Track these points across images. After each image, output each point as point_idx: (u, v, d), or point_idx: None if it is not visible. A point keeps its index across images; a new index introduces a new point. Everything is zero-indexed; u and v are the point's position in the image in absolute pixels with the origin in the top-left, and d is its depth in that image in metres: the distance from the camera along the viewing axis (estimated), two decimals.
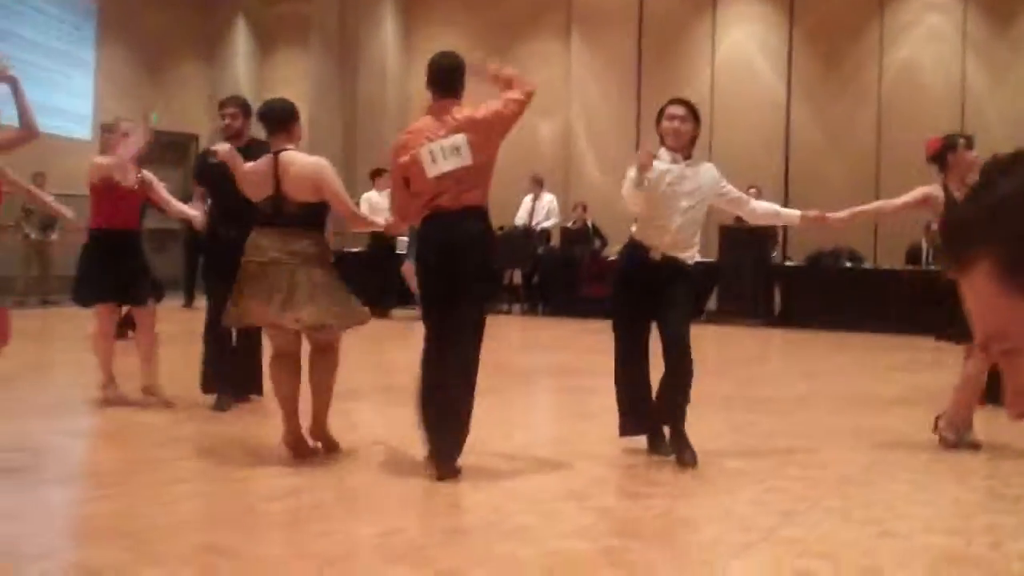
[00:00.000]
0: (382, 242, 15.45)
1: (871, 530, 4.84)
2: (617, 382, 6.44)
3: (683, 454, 6.05)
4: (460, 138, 5.74)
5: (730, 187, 6.51)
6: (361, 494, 5.41)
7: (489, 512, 5.01)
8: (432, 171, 5.73)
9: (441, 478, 5.53)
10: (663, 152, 6.24)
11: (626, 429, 6.44)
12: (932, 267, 14.81)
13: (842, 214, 6.84)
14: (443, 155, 5.72)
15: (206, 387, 7.78)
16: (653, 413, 6.33)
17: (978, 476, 6.01)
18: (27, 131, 6.21)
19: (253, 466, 5.93)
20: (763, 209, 6.79)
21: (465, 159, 5.73)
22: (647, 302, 6.19)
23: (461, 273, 5.73)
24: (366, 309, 6.31)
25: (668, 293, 6.14)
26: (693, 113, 6.34)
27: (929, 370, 10.45)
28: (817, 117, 17.73)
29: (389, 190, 6.75)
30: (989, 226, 1.10)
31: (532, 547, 4.42)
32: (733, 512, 5.17)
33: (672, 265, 6.19)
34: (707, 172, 6.37)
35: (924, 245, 15.18)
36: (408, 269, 15.26)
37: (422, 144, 5.76)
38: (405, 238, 14.41)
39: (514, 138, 20.83)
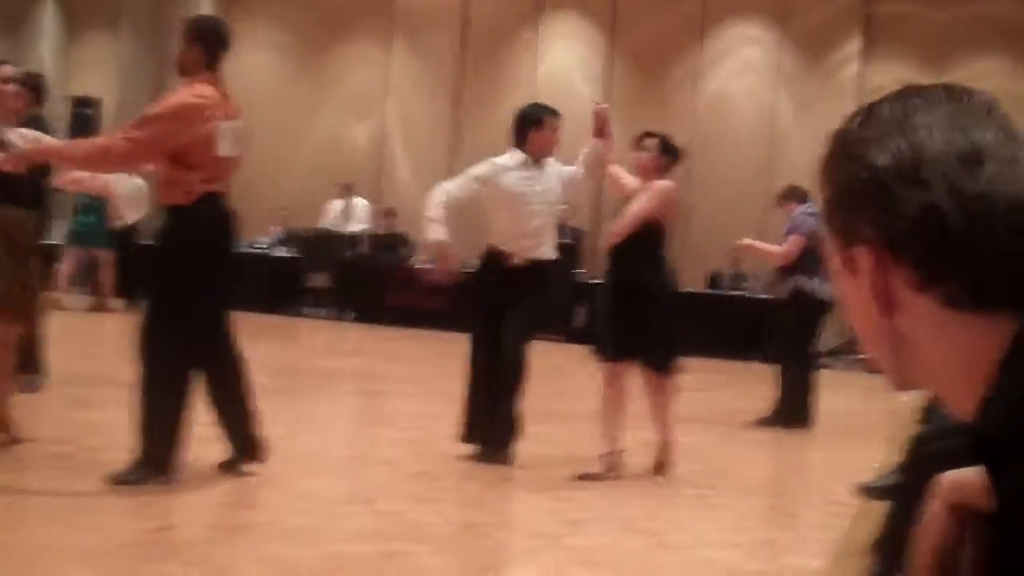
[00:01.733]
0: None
1: (653, 541, 4.86)
2: (468, 390, 6.35)
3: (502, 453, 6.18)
4: (240, 125, 5.40)
5: (565, 168, 6.64)
6: (134, 488, 5.12)
7: (270, 512, 4.85)
8: (223, 150, 5.25)
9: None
10: (517, 154, 6.43)
11: (468, 436, 6.34)
12: (735, 292, 15.22)
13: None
14: (233, 137, 5.32)
15: None
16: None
17: (761, 494, 6.12)
18: None
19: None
20: (579, 168, 6.76)
21: (239, 149, 5.40)
22: (502, 309, 6.23)
23: (231, 262, 5.48)
24: None
25: (521, 301, 6.21)
26: None
27: (715, 389, 10.68)
28: (632, 138, 17.99)
29: None
30: None
31: (311, 548, 4.27)
32: (521, 520, 5.13)
33: (532, 268, 6.32)
34: (551, 169, 6.54)
35: (725, 271, 15.57)
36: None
37: (218, 119, 5.22)
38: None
39: (327, 140, 20.48)
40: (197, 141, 5.12)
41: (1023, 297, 0.99)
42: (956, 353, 1.01)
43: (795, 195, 9.11)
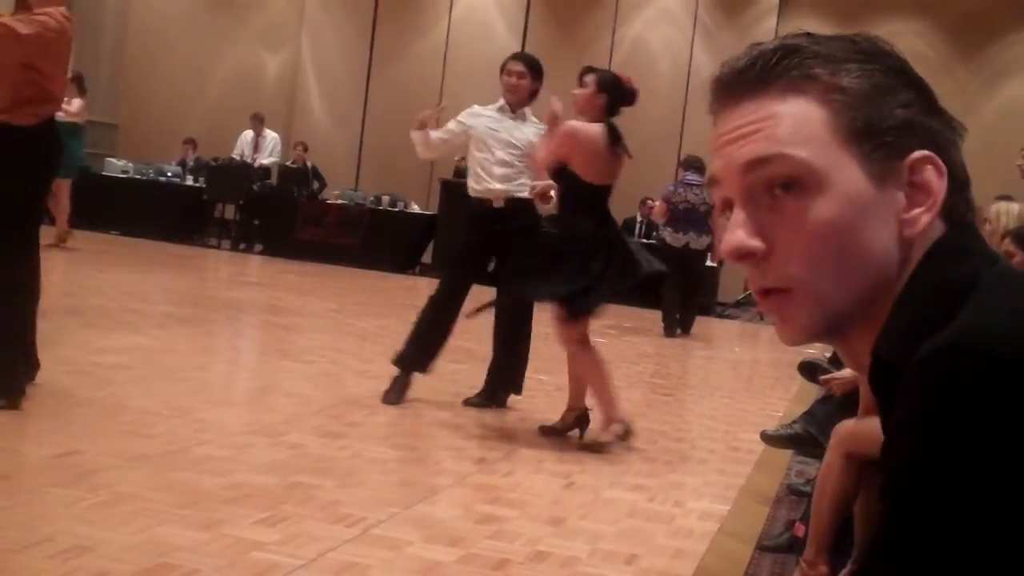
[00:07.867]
0: None
1: (560, 482, 4.88)
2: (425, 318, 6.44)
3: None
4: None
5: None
6: (35, 414, 5.02)
7: (174, 441, 4.77)
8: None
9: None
10: (500, 102, 6.46)
11: (413, 364, 6.33)
12: (647, 240, 15.28)
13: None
14: None
15: None
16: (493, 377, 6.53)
17: (668, 438, 6.17)
18: None
19: None
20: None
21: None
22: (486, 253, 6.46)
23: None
24: None
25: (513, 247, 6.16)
26: (532, 69, 6.46)
27: (627, 335, 10.76)
28: (549, 83, 17.93)
29: None
30: None
31: (216, 478, 4.22)
32: (428, 457, 5.11)
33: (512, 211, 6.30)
34: (529, 124, 6.45)
35: (639, 219, 15.68)
36: None
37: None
38: None
39: (238, 69, 20.10)
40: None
41: None
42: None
43: (686, 163, 11.71)
